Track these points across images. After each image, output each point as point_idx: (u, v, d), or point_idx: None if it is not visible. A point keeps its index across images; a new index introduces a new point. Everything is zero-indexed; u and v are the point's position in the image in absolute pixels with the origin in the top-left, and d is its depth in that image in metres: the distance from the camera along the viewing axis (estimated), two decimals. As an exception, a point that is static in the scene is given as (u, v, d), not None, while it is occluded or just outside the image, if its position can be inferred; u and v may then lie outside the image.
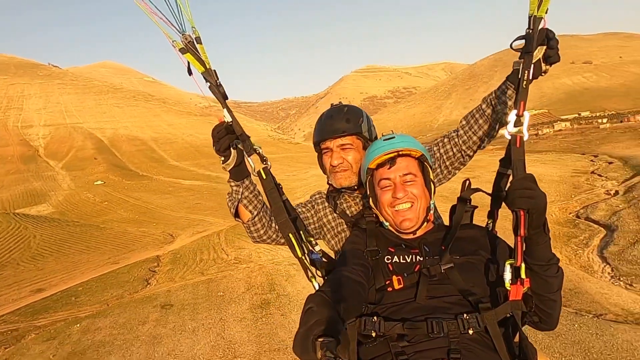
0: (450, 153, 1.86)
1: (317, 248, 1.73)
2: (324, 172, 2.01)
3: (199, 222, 36.86)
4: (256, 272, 20.26)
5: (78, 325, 16.15)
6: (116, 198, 52.05)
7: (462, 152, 1.84)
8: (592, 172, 37.19)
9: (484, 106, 1.76)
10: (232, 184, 1.73)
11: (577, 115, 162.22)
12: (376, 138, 1.91)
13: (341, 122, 1.88)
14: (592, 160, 44.07)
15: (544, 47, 1.47)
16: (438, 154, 1.89)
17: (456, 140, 1.85)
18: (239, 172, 1.70)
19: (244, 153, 1.68)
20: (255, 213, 1.78)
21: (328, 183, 2.03)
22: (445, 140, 1.89)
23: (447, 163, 1.87)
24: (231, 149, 1.62)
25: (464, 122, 1.84)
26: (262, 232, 1.83)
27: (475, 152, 1.85)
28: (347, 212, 1.95)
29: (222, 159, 1.64)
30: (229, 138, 1.60)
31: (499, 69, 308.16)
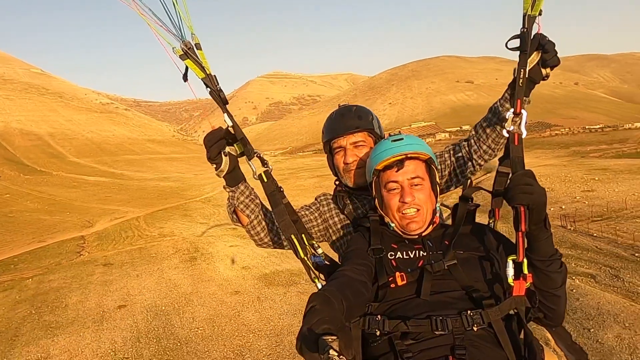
0: (462, 161, 1.85)
1: (319, 251, 1.72)
2: (335, 172, 1.99)
3: (114, 211, 38.90)
4: (180, 241, 24.38)
5: (30, 280, 19.13)
6: (18, 191, 50.99)
7: (473, 161, 1.82)
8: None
9: (489, 115, 1.76)
10: (227, 189, 1.76)
11: (459, 128, 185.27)
12: (383, 137, 1.90)
13: (353, 119, 1.89)
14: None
15: (539, 52, 1.49)
16: (449, 161, 1.88)
17: (467, 148, 1.83)
18: (233, 178, 1.73)
19: (245, 157, 1.69)
20: (253, 217, 1.80)
21: (335, 183, 2.04)
22: (457, 148, 1.88)
23: (458, 171, 1.86)
24: (222, 155, 1.63)
25: (473, 132, 1.84)
26: (262, 235, 1.85)
27: (486, 160, 1.83)
28: (354, 213, 1.94)
29: (214, 166, 1.65)
30: (218, 145, 1.60)
31: (395, 83, 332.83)
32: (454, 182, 1.89)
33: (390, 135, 1.68)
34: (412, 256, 1.50)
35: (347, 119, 1.88)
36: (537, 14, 1.44)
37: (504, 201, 1.43)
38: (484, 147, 1.78)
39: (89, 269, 20.00)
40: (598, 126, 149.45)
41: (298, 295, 13.79)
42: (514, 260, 1.33)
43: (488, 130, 1.75)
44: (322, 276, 1.69)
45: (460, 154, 1.85)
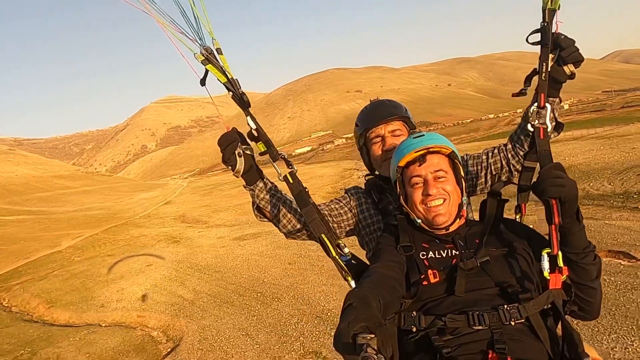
0: (499, 164, 1.86)
1: (345, 250, 1.71)
2: (371, 165, 2.05)
3: (68, 234, 41.56)
4: (155, 236, 30.86)
5: (54, 272, 24.61)
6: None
7: (511, 166, 1.84)
8: (355, 169, 55.76)
9: (522, 121, 1.77)
10: (247, 189, 1.80)
11: (353, 134, 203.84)
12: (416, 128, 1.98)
13: (388, 108, 1.98)
14: (354, 166, 62.57)
15: (556, 51, 1.52)
16: (486, 163, 1.89)
17: (504, 153, 1.85)
18: (251, 177, 1.77)
19: (270, 159, 1.72)
20: (276, 211, 1.86)
21: (367, 176, 2.08)
22: (496, 151, 1.90)
23: (494, 173, 1.87)
24: (237, 156, 1.66)
25: (510, 138, 1.86)
26: (289, 227, 1.89)
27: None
28: (387, 208, 1.96)
29: (230, 167, 1.69)
30: (232, 147, 1.63)
31: (292, 98, 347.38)
32: (487, 185, 1.91)
33: (411, 133, 1.73)
34: (444, 255, 1.50)
35: (383, 109, 2.00)
36: (557, 7, 1.48)
37: (530, 196, 1.45)
38: (521, 152, 1.80)
39: (97, 260, 25.90)
40: (468, 120, 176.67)
41: (264, 242, 22.06)
42: (548, 254, 1.33)
43: (522, 136, 1.79)
44: (349, 277, 1.64)
45: (497, 158, 1.87)
